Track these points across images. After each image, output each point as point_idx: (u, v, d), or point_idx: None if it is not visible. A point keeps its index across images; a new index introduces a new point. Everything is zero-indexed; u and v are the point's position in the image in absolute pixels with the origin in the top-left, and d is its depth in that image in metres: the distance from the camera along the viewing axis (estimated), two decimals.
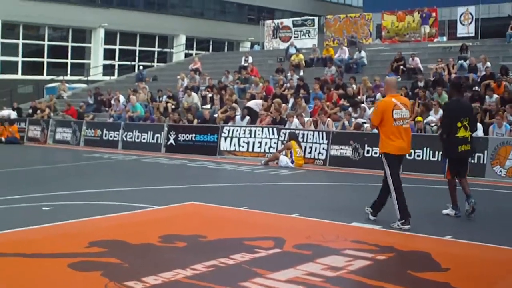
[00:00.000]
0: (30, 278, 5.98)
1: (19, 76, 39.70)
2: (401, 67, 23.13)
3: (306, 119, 18.57)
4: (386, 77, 11.55)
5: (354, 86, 21.34)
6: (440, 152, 12.69)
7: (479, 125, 15.49)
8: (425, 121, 16.65)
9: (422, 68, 22.64)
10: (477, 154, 14.21)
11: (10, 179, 14.20)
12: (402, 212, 8.58)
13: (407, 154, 10.43)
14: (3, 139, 24.43)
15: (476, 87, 18.71)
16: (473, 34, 27.73)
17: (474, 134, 10.07)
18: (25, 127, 25.60)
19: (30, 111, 27.59)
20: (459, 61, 22.11)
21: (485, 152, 14.30)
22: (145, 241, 7.51)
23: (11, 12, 37.53)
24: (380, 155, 9.33)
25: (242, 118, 20.02)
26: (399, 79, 22.72)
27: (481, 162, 14.29)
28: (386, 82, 9.62)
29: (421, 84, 20.31)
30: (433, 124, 16.49)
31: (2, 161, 16.04)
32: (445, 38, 29.47)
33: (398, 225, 8.52)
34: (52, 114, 26.64)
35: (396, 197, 8.70)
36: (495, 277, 6.30)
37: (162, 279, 5.83)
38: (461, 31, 28.30)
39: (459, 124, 9.39)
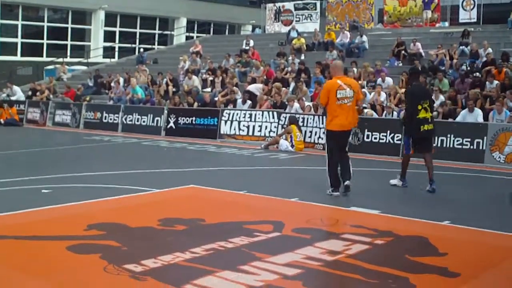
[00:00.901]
0: (29, 260, 6.00)
1: (18, 57, 39.54)
2: (402, 52, 23.07)
3: (306, 103, 18.54)
4: (334, 61, 12.62)
5: (355, 70, 21.28)
6: (438, 137, 14.02)
7: (479, 110, 15.53)
8: None
9: (423, 53, 22.57)
10: (476, 140, 14.24)
11: (9, 162, 14.20)
12: (332, 181, 10.01)
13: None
14: (2, 121, 24.39)
15: (477, 73, 18.66)
16: (475, 20, 27.58)
17: (474, 120, 10.44)
18: (24, 109, 25.56)
19: (30, 93, 27.53)
20: (461, 47, 22.04)
21: (484, 138, 14.27)
22: (144, 224, 7.53)
23: None
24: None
25: (244, 102, 19.99)
26: (400, 64, 22.72)
27: (480, 148, 14.29)
28: (332, 65, 10.83)
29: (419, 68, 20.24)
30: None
31: (1, 143, 16.03)
32: (447, 24, 29.32)
33: (329, 192, 9.92)
34: (51, 96, 26.59)
35: (328, 167, 10.06)
36: (492, 262, 6.32)
37: (161, 262, 5.85)
38: (463, 16, 28.15)
39: (419, 107, 10.44)
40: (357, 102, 10.26)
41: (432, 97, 11.35)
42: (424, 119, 10.49)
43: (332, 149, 10.14)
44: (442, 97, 17.17)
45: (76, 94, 25.61)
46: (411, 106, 10.67)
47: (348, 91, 9.87)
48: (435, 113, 16.14)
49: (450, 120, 15.74)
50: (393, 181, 11.07)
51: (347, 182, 10.03)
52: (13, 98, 26.66)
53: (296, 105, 18.07)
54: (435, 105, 16.57)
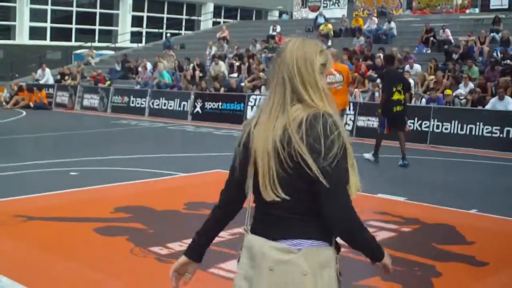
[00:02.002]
0: (56, 242, 6.07)
1: (47, 42, 39.89)
2: (431, 38, 22.81)
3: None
4: (328, 49, 13.20)
5: (381, 56, 21.09)
6: (467, 125, 14.46)
7: (509, 98, 15.31)
8: (454, 94, 16.43)
9: (452, 40, 22.29)
10: (506, 128, 14.06)
11: (38, 144, 14.36)
12: None
13: (434, 127, 14.08)
14: (31, 104, 24.66)
15: (508, 61, 18.39)
16: (506, 6, 27.13)
17: (504, 108, 10.93)
18: (53, 93, 25.79)
19: (58, 77, 27.77)
20: (491, 34, 21.70)
21: None
22: (170, 208, 7.57)
23: None
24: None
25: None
26: (429, 51, 22.46)
27: (510, 136, 14.09)
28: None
29: (455, 56, 20.00)
30: (462, 97, 16.29)
31: (31, 126, 16.21)
32: (477, 10, 28.92)
33: None
34: (80, 80, 26.83)
35: None
36: None
37: (187, 245, 5.86)
38: (494, 2, 27.70)
39: (394, 89, 11.62)
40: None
41: (405, 81, 12.60)
42: (397, 101, 11.67)
43: None
44: (471, 84, 16.96)
45: (98, 79, 25.95)
46: (387, 88, 11.81)
47: (337, 76, 11.21)
48: (463, 100, 16.06)
49: (480, 107, 15.55)
50: (366, 155, 12.09)
51: None
52: (42, 81, 26.90)
53: None
54: (464, 92, 16.49)
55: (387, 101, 11.73)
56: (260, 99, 18.86)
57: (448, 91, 16.44)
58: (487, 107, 15.55)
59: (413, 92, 17.33)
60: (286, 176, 2.18)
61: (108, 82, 25.70)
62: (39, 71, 27.85)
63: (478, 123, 14.45)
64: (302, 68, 2.26)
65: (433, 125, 15.06)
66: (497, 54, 19.29)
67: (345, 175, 2.20)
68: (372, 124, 16.11)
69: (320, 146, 2.14)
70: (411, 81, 18.19)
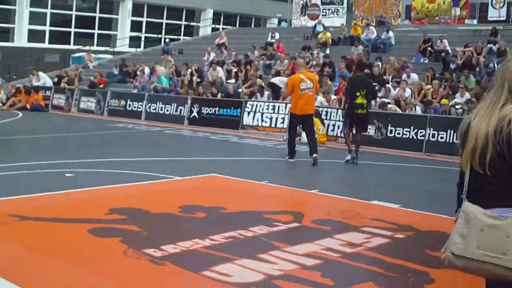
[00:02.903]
0: (50, 242, 6.07)
1: (46, 45, 39.86)
2: (429, 48, 22.88)
3: (333, 96, 18.48)
4: (297, 59, 15.17)
5: (379, 64, 21.14)
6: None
7: None
8: (450, 104, 16.48)
9: (450, 51, 22.36)
10: None
11: (34, 145, 14.35)
12: (290, 150, 12.76)
13: (429, 136, 14.66)
14: (28, 106, 24.64)
15: None
16: (504, 18, 27.27)
17: None
18: (50, 95, 25.78)
19: (56, 79, 27.76)
20: (488, 45, 21.79)
21: None
22: (165, 211, 7.58)
23: None
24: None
25: (262, 94, 20.05)
26: (426, 61, 22.53)
27: None
28: (296, 62, 13.82)
29: (453, 66, 20.07)
30: (458, 107, 16.33)
31: (27, 128, 16.20)
32: (475, 21, 29.04)
33: (286, 159, 12.70)
34: (77, 83, 26.82)
35: (288, 140, 12.82)
36: None
37: (181, 248, 5.88)
38: (492, 14, 27.83)
39: (358, 94, 12.80)
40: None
41: (370, 86, 13.58)
42: (360, 104, 12.85)
43: (293, 127, 12.86)
44: (467, 94, 17.02)
45: (92, 82, 25.94)
46: (351, 92, 13.04)
47: (308, 83, 12.40)
48: (459, 110, 16.10)
49: None
50: (347, 157, 13.13)
51: (315, 155, 12.31)
52: (38, 84, 26.84)
53: (321, 98, 18.03)
54: (460, 101, 16.55)
55: (351, 104, 12.95)
56: (257, 105, 18.89)
57: (444, 101, 16.49)
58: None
59: (408, 102, 17.41)
60: (496, 158, 2.77)
61: (102, 86, 25.64)
62: (34, 77, 27.72)
63: None
64: None
65: (429, 133, 15.09)
66: (494, 66, 19.35)
67: None
68: (368, 132, 16.13)
69: None
70: (408, 90, 18.27)
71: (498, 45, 21.10)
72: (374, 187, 10.12)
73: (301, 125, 13.16)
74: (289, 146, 12.78)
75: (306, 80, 12.38)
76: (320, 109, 17.32)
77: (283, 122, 17.99)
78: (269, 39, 28.14)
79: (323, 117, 16.99)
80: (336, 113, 16.87)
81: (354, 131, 13.23)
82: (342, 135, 14.11)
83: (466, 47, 21.47)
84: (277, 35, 28.39)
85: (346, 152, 13.14)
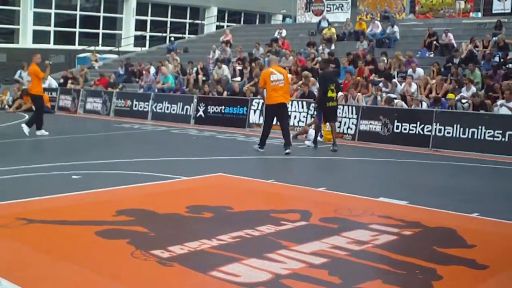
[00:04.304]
0: (57, 244, 6.08)
1: (51, 45, 39.89)
2: (434, 42, 22.80)
3: (339, 93, 18.43)
4: (270, 56, 16.34)
5: (385, 59, 21.08)
6: (469, 129, 14.65)
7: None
8: (456, 98, 16.42)
9: (455, 45, 22.28)
10: (508, 132, 14.03)
11: (41, 148, 14.38)
12: (262, 140, 13.78)
13: (436, 131, 15.01)
14: (33, 108, 24.62)
15: (510, 65, 18.38)
16: (509, 11, 27.11)
17: (505, 112, 13.73)
18: (56, 96, 25.83)
19: (62, 80, 27.79)
20: (493, 38, 21.69)
21: None
22: (172, 211, 7.58)
23: None
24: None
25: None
26: (431, 55, 22.46)
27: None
28: (270, 59, 15.14)
29: (456, 60, 19.99)
30: (464, 101, 16.28)
31: (33, 130, 16.23)
32: (480, 14, 28.92)
33: (256, 148, 13.80)
34: (83, 84, 26.84)
35: (263, 131, 13.86)
36: None
37: (188, 249, 5.88)
38: (496, 7, 27.69)
39: (328, 88, 14.22)
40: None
41: (337, 81, 15.55)
42: (331, 97, 14.31)
43: (269, 118, 13.90)
44: (473, 88, 16.97)
45: (109, 82, 25.81)
46: (323, 87, 14.37)
47: (278, 75, 13.59)
48: (465, 104, 16.06)
49: (482, 111, 15.51)
50: (307, 142, 15.29)
51: (287, 151, 13.37)
52: (44, 86, 26.74)
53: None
54: (465, 95, 16.51)
55: (323, 97, 14.35)
56: (263, 103, 18.89)
57: (450, 95, 16.44)
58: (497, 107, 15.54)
59: (414, 97, 17.36)
60: None
61: (120, 86, 25.64)
62: (24, 77, 27.58)
63: (480, 127, 14.43)
64: None
65: (436, 129, 15.05)
66: (499, 59, 19.27)
67: None
68: (375, 128, 16.12)
69: None
70: (414, 85, 18.22)
71: (497, 38, 20.90)
72: (381, 184, 10.11)
73: (276, 116, 13.93)
74: (262, 137, 13.81)
75: (276, 73, 13.61)
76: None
77: (318, 125, 17.93)
78: (276, 35, 28.06)
79: None
80: (342, 110, 16.84)
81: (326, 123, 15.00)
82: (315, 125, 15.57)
83: (472, 41, 21.35)
84: (284, 32, 28.33)
85: (307, 141, 15.38)
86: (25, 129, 16.19)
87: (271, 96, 13.53)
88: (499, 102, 15.73)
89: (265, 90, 13.89)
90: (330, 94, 14.26)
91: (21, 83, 27.27)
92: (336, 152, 13.96)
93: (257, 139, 16.34)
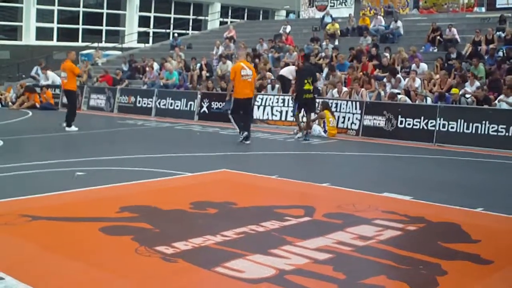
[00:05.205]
0: (61, 241, 6.08)
1: (54, 42, 39.94)
2: (438, 37, 22.76)
3: (344, 88, 18.43)
4: (238, 51, 16.90)
5: (387, 55, 21.04)
6: (473, 124, 14.62)
7: None
8: (460, 93, 16.37)
9: (459, 39, 22.23)
10: None
11: (44, 144, 14.40)
12: (240, 129, 14.35)
13: (440, 126, 15.05)
14: (37, 105, 24.73)
15: None
16: None
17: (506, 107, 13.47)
18: (59, 93, 25.82)
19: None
20: (498, 32, 21.64)
21: None
22: (176, 207, 7.57)
23: None
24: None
25: (273, 87, 20.04)
26: (435, 50, 22.41)
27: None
28: (238, 54, 16.16)
29: (453, 55, 19.98)
30: (468, 96, 16.24)
31: (37, 127, 16.25)
32: (483, 9, 28.82)
33: (240, 140, 14.25)
34: (86, 80, 26.84)
35: (234, 121, 14.51)
36: None
37: (192, 245, 5.88)
38: (500, 1, 27.59)
39: (305, 81, 15.08)
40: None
41: (314, 75, 16.28)
42: (307, 90, 15.13)
43: (237, 111, 14.44)
44: (477, 83, 16.94)
45: (114, 79, 25.82)
46: (300, 79, 15.26)
47: (248, 70, 14.37)
48: (469, 99, 16.02)
49: (486, 106, 15.48)
50: (298, 135, 15.74)
51: (246, 133, 14.22)
52: (48, 83, 26.85)
53: (334, 90, 18.05)
54: (469, 90, 16.48)
55: (300, 90, 15.19)
56: (266, 98, 18.88)
57: (454, 90, 16.39)
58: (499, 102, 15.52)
59: (418, 92, 17.33)
60: None
61: (126, 82, 25.69)
62: (41, 74, 27.77)
63: (484, 122, 14.41)
64: None
65: (439, 124, 15.03)
66: (503, 53, 19.22)
67: None
68: (379, 124, 16.10)
69: None
70: (418, 80, 18.19)
71: (506, 32, 20.89)
72: (385, 179, 10.10)
73: (241, 110, 14.50)
74: (238, 126, 14.42)
75: (246, 68, 14.44)
76: (330, 101, 17.29)
77: (293, 116, 17.94)
78: (281, 31, 28.02)
79: (333, 109, 16.94)
80: (346, 105, 16.84)
81: (304, 113, 15.80)
82: (294, 118, 16.49)
83: (477, 35, 21.30)
84: (288, 28, 28.29)
85: (296, 131, 16.01)
86: (69, 129, 16.67)
87: (241, 90, 14.24)
88: (499, 98, 15.69)
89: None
90: (306, 86, 15.11)
91: (37, 79, 27.45)
92: (308, 142, 15.14)
93: (261, 134, 16.40)
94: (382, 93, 17.76)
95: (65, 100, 24.98)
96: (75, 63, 18.58)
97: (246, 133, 14.24)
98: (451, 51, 20.29)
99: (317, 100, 17.69)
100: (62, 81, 17.98)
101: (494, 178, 10.71)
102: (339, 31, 26.54)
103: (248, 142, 14.23)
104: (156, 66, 25.77)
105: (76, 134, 16.24)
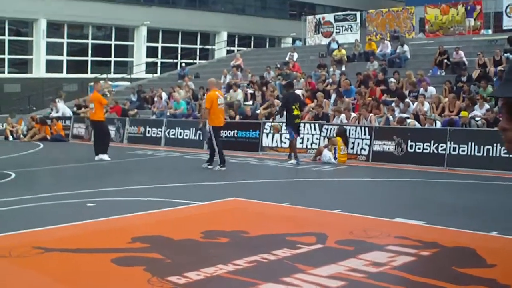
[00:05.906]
0: (74, 273, 6.07)
1: (64, 74, 40.27)
2: (445, 61, 22.78)
3: (352, 114, 18.41)
4: (209, 79, 16.36)
5: (393, 80, 21.02)
6: (484, 146, 14.54)
7: None
8: (470, 116, 16.34)
9: (466, 62, 22.24)
10: None
11: (55, 176, 14.44)
12: (221, 160, 14.73)
13: (450, 149, 14.95)
14: (48, 137, 24.87)
15: None
16: None
17: None
18: (69, 124, 25.99)
19: (75, 108, 27.98)
20: (505, 54, 21.64)
21: None
22: (187, 237, 7.55)
23: (56, 12, 38.07)
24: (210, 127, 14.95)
25: (281, 115, 20.05)
26: (443, 73, 22.42)
27: None
28: (209, 82, 15.66)
29: (463, 78, 19.96)
30: (478, 119, 16.20)
31: (48, 158, 16.30)
32: (490, 31, 28.89)
33: (218, 168, 14.62)
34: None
35: (218, 151, 14.72)
36: None
37: (204, 274, 5.85)
38: (507, 23, 27.69)
39: (293, 107, 15.84)
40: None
41: (300, 100, 17.31)
42: (297, 115, 16.04)
43: (218, 138, 15.00)
44: (487, 105, 16.90)
45: (123, 109, 25.94)
46: (287, 106, 16.02)
47: (221, 99, 15.14)
48: (479, 122, 15.98)
49: (496, 128, 15.42)
50: (290, 161, 16.08)
51: (223, 167, 14.71)
52: (58, 114, 27.03)
53: (341, 116, 18.04)
54: (479, 113, 16.43)
55: (290, 116, 15.88)
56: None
57: (464, 113, 16.36)
58: None
59: (427, 116, 17.29)
60: None
61: (135, 111, 25.84)
62: (54, 108, 27.99)
63: (495, 144, 14.33)
64: None
65: (450, 147, 14.98)
66: None
67: None
68: (388, 148, 16.06)
69: None
70: (426, 104, 18.17)
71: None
72: (396, 204, 10.04)
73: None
74: (220, 158, 14.76)
75: (220, 96, 15.24)
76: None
77: (302, 142, 17.96)
78: (287, 58, 28.14)
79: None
80: (355, 131, 16.82)
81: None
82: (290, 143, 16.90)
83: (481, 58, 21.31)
84: (295, 55, 28.41)
85: (293, 160, 16.06)
86: (104, 157, 17.06)
87: (218, 118, 14.86)
88: None
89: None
90: (295, 112, 15.88)
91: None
92: (298, 166, 15.62)
93: (270, 162, 16.38)
94: (391, 118, 17.74)
95: (75, 131, 25.35)
96: (84, 94, 18.78)
97: (223, 165, 14.78)
98: (463, 74, 20.22)
99: (326, 127, 17.78)
100: (89, 112, 18.22)
101: (507, 201, 10.64)
102: (345, 57, 26.63)
103: (224, 168, 14.70)
104: (164, 95, 25.89)
105: (88, 165, 16.28)
